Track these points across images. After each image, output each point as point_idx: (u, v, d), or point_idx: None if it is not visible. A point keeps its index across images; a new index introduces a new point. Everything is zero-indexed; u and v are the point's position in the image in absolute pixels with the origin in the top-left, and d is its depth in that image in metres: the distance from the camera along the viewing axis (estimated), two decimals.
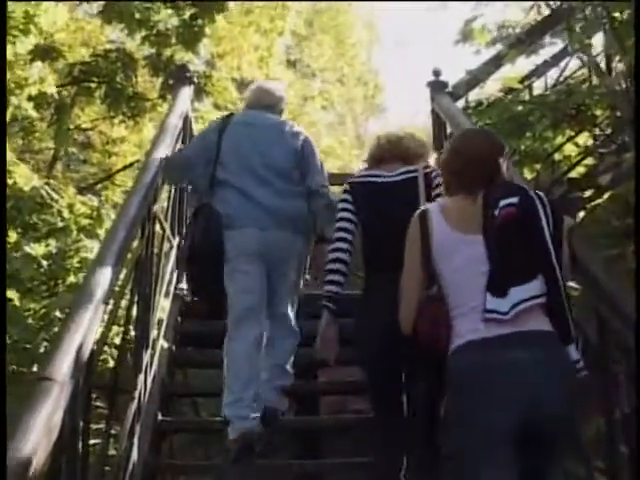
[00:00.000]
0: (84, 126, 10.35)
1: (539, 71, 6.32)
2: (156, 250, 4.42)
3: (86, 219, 5.68)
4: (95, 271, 3.03)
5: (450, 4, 11.38)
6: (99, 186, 10.53)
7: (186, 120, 5.62)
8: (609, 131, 5.90)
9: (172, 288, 4.93)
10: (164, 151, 4.57)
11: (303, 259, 4.13)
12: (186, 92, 5.80)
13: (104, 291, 2.91)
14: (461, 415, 2.47)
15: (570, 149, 6.12)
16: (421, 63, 20.64)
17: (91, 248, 5.29)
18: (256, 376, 3.77)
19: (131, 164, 10.37)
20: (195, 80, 6.35)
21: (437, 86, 5.86)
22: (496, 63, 5.80)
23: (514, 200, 2.54)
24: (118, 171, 10.61)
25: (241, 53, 11.16)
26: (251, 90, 4.56)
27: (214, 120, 4.72)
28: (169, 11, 8.20)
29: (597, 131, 5.89)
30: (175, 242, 5.11)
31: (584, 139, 6.12)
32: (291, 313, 4.08)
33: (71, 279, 5.18)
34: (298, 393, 4.72)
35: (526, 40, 5.73)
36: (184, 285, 5.00)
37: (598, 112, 5.76)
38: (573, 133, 6.04)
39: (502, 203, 2.52)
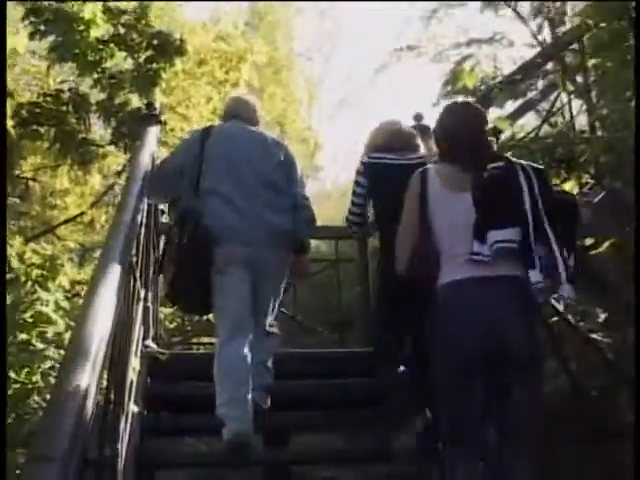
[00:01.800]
0: (24, 175, 9.73)
1: (528, 105, 6.05)
2: None
3: (38, 269, 5.12)
4: (86, 327, 2.54)
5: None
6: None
7: (154, 161, 5.19)
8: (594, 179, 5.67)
9: (140, 345, 4.46)
10: (138, 192, 4.14)
11: (285, 268, 4.17)
12: (154, 131, 5.36)
13: (97, 349, 2.42)
14: (446, 331, 2.94)
15: None
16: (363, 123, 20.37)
17: (46, 301, 4.74)
18: (247, 379, 3.80)
19: (74, 217, 9.81)
20: (162, 119, 5.89)
21: (421, 130, 5.53)
22: (485, 103, 5.53)
23: (499, 165, 3.06)
24: (60, 224, 9.99)
25: (192, 104, 10.84)
26: (227, 102, 4.70)
27: (194, 131, 4.80)
28: (123, 53, 7.74)
29: (586, 178, 5.63)
30: (142, 294, 4.64)
31: (570, 187, 5.86)
32: (271, 317, 4.18)
33: (23, 336, 4.61)
34: (269, 462, 4.47)
35: (517, 80, 5.48)
36: (150, 342, 4.77)
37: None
38: (558, 181, 5.79)
39: (489, 166, 3.03)
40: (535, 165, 3.28)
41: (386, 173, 4.00)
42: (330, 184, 16.31)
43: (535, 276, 2.93)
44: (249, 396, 3.76)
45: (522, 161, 3.19)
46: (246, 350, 3.84)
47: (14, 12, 6.09)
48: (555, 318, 3.57)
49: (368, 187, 4.16)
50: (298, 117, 18.58)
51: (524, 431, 2.91)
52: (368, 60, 13.36)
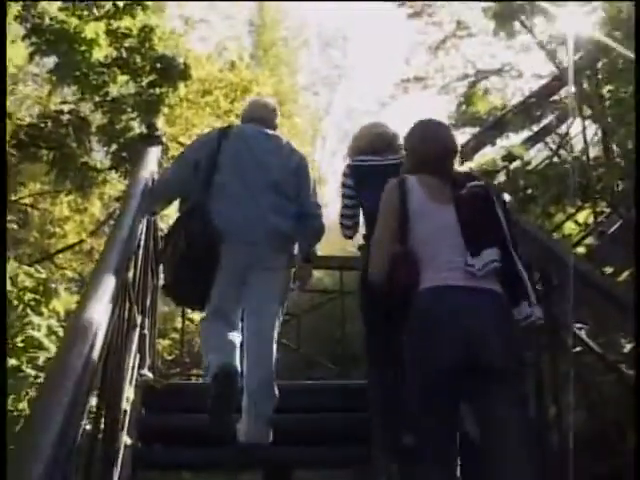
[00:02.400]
0: (23, 202, 9.55)
1: (542, 133, 5.88)
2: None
3: (31, 293, 4.88)
4: (69, 351, 2.28)
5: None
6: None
7: (153, 182, 5.00)
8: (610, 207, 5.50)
9: (135, 374, 4.22)
10: (136, 209, 3.93)
11: (286, 273, 4.11)
12: (154, 152, 5.17)
13: (80, 376, 2.17)
14: (424, 336, 2.89)
15: (570, 227, 5.66)
16: None
17: (38, 325, 4.51)
18: (234, 339, 3.88)
19: (73, 245, 9.60)
20: (164, 140, 5.71)
21: None
22: (500, 128, 5.36)
23: (479, 183, 3.14)
24: (58, 252, 9.78)
25: (196, 134, 10.71)
26: (247, 104, 4.69)
27: (211, 130, 4.72)
28: (125, 77, 7.59)
29: (601, 206, 5.45)
30: (139, 320, 4.42)
31: (585, 216, 5.68)
32: (274, 329, 3.99)
33: (12, 362, 4.37)
34: None
35: (531, 106, 5.31)
36: (146, 371, 4.56)
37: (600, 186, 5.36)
38: (573, 210, 5.61)
39: (470, 184, 3.09)
40: (498, 191, 3.45)
41: (371, 174, 4.02)
42: (335, 217, 16.23)
43: (526, 309, 3.01)
44: (236, 342, 3.88)
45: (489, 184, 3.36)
46: (231, 331, 3.94)
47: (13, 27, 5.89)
48: (579, 348, 3.35)
49: (355, 189, 4.18)
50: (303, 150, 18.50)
51: (506, 446, 2.79)
52: (374, 92, 13.32)
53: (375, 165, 4.15)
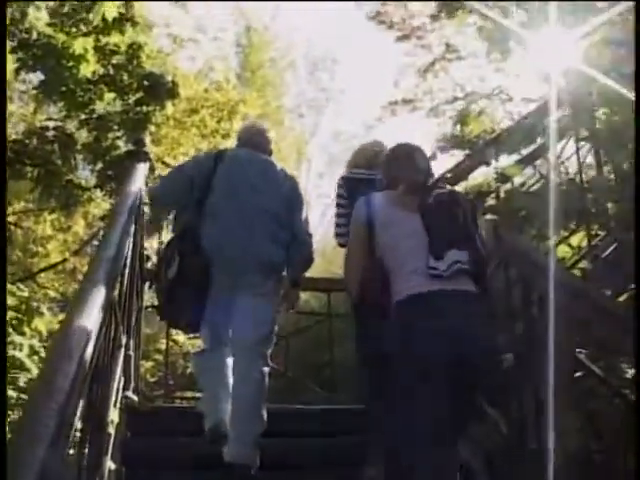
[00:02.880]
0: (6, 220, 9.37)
1: (536, 155, 5.82)
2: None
3: (13, 312, 4.75)
4: (57, 374, 2.14)
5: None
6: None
7: (141, 200, 4.90)
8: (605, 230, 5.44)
9: (119, 396, 4.09)
10: (123, 225, 3.85)
11: (274, 297, 4.09)
12: (142, 168, 5.06)
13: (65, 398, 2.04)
14: (407, 348, 2.93)
15: (564, 250, 5.60)
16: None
17: (20, 345, 4.38)
18: (227, 381, 3.90)
19: (56, 264, 9.44)
20: (151, 157, 5.61)
21: None
22: (495, 149, 5.31)
23: (445, 191, 3.28)
24: (41, 271, 9.61)
25: (181, 154, 10.65)
26: (242, 129, 4.69)
27: (208, 151, 5.06)
28: (112, 94, 7.49)
29: (595, 229, 5.38)
30: (124, 340, 4.30)
31: (579, 239, 5.62)
32: (262, 351, 3.96)
33: None
34: None
35: (526, 127, 5.26)
36: (131, 394, 4.43)
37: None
38: (567, 233, 5.55)
39: (435, 193, 3.22)
40: (467, 197, 3.71)
41: (363, 186, 4.05)
42: (320, 239, 16.25)
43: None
44: (227, 392, 3.86)
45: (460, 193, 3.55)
46: (226, 360, 3.96)
47: None
48: (581, 372, 3.26)
49: (348, 198, 4.26)
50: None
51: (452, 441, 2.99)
52: (361, 115, 13.29)
53: (367, 178, 4.26)
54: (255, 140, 4.36)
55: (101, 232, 9.77)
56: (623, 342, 3.17)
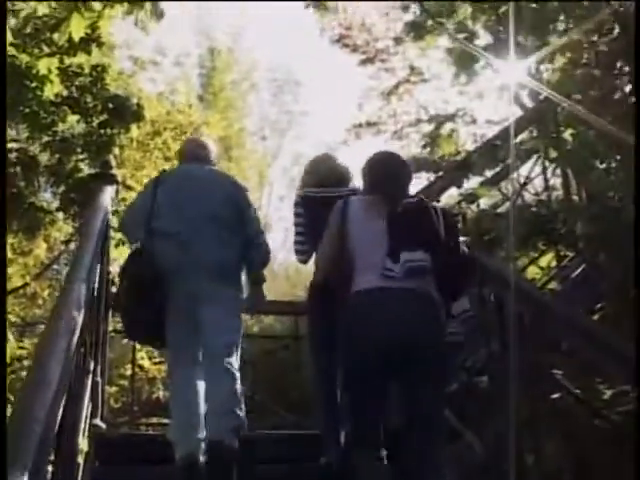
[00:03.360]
0: None
1: (503, 175, 5.83)
2: None
3: None
4: (34, 404, 2.07)
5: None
6: None
7: (108, 225, 4.84)
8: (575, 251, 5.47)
9: (87, 424, 3.98)
10: (92, 249, 3.84)
11: (236, 303, 4.13)
12: (109, 191, 4.99)
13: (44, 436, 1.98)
14: (359, 336, 3.32)
15: (534, 271, 5.62)
16: None
17: None
18: (197, 406, 3.89)
19: (16, 289, 9.23)
20: (118, 179, 5.53)
21: None
22: (465, 171, 5.31)
23: (412, 200, 3.54)
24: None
25: (145, 176, 10.55)
26: (184, 145, 4.83)
27: (148, 182, 4.68)
28: (76, 117, 7.37)
29: (564, 251, 5.41)
30: (92, 366, 4.20)
31: (548, 260, 5.64)
32: (230, 357, 3.98)
33: None
34: None
35: (497, 146, 5.29)
36: (99, 422, 4.34)
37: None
38: (536, 255, 5.57)
39: (404, 201, 3.49)
40: (445, 208, 3.93)
41: (322, 205, 4.06)
42: (282, 261, 16.27)
43: (464, 304, 3.67)
44: (199, 420, 3.86)
45: (434, 203, 3.75)
46: (196, 380, 3.95)
47: None
48: (558, 394, 3.25)
49: (306, 218, 4.38)
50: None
51: (429, 427, 3.27)
52: (325, 138, 13.26)
53: (326, 197, 4.24)
54: (196, 153, 4.42)
55: (66, 255, 9.64)
56: (598, 360, 3.18)
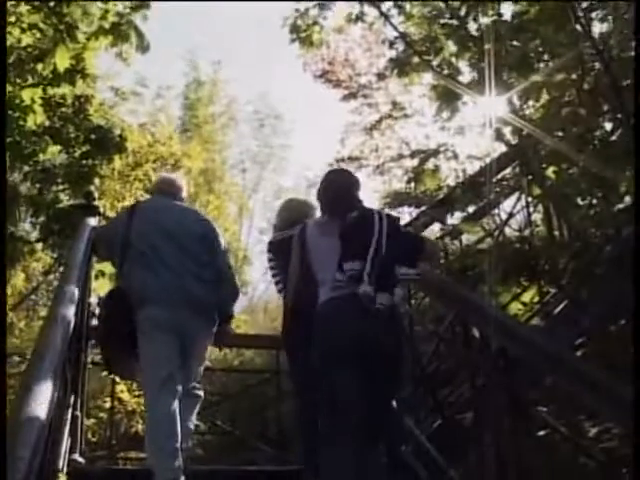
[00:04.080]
0: None
1: (489, 207, 5.86)
2: None
3: None
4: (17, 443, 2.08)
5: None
6: None
7: (90, 255, 4.80)
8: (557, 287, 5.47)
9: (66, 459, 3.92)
10: (76, 282, 3.87)
11: (208, 336, 4.33)
12: (92, 223, 4.97)
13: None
14: (318, 341, 3.70)
15: (516, 307, 5.62)
16: None
17: None
18: (176, 432, 3.92)
19: None
20: (101, 211, 5.51)
21: None
22: (448, 206, 5.33)
23: (354, 213, 3.84)
24: None
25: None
26: (156, 180, 5.14)
27: (124, 206, 5.27)
28: (58, 147, 7.33)
29: (547, 287, 5.41)
30: (72, 399, 4.15)
31: (531, 296, 5.64)
32: (198, 384, 4.32)
33: None
34: None
35: (480, 182, 5.32)
36: (78, 457, 4.26)
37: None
38: (519, 290, 5.57)
39: (348, 215, 3.83)
40: (390, 214, 4.22)
41: (286, 247, 4.26)
42: (261, 294, 16.16)
43: (363, 287, 3.72)
44: (177, 446, 3.89)
45: (378, 209, 4.12)
46: (174, 406, 3.98)
47: None
48: (546, 430, 3.23)
49: (277, 260, 4.53)
50: (229, 227, 18.30)
51: (380, 424, 3.64)
52: (306, 172, 13.25)
53: (289, 237, 4.37)
54: (167, 189, 4.58)
55: (44, 286, 9.55)
56: (583, 397, 3.16)
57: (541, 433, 3.28)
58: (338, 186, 4.05)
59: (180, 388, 4.05)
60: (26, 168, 7.27)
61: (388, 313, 3.66)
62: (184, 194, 4.68)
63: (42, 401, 2.42)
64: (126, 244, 4.24)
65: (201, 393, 4.35)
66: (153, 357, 4.06)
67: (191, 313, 4.13)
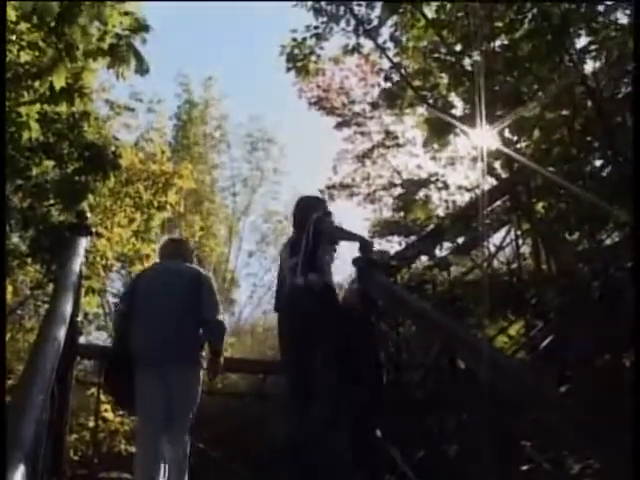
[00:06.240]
0: None
1: (479, 239, 5.89)
2: None
3: None
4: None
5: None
6: None
7: (81, 274, 4.85)
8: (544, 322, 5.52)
9: None
10: (68, 304, 3.96)
11: (197, 380, 4.70)
12: (83, 243, 5.01)
13: None
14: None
15: (502, 341, 5.65)
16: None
17: None
18: (159, 464, 4.36)
19: None
20: (92, 230, 5.53)
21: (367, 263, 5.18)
22: (437, 238, 5.38)
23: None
24: None
25: (115, 224, 10.52)
26: (161, 243, 5.57)
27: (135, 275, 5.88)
28: (51, 162, 7.34)
29: (533, 321, 5.45)
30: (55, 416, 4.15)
31: (517, 329, 5.68)
32: (186, 436, 4.62)
33: None
34: None
35: (470, 214, 5.36)
36: None
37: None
38: (506, 324, 5.61)
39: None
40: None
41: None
42: (247, 316, 16.12)
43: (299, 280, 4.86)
44: (159, 469, 4.31)
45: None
46: (160, 440, 4.43)
47: None
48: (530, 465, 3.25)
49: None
50: (217, 249, 18.28)
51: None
52: (297, 196, 13.20)
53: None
54: (173, 251, 5.16)
55: (32, 301, 9.49)
56: (567, 431, 3.18)
57: (524, 467, 3.30)
58: (298, 210, 5.28)
59: (165, 426, 4.49)
60: (18, 181, 7.26)
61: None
62: (189, 254, 5.24)
63: (32, 422, 2.45)
64: (133, 301, 4.81)
65: (187, 439, 4.63)
66: (143, 396, 4.56)
67: (179, 360, 4.61)
